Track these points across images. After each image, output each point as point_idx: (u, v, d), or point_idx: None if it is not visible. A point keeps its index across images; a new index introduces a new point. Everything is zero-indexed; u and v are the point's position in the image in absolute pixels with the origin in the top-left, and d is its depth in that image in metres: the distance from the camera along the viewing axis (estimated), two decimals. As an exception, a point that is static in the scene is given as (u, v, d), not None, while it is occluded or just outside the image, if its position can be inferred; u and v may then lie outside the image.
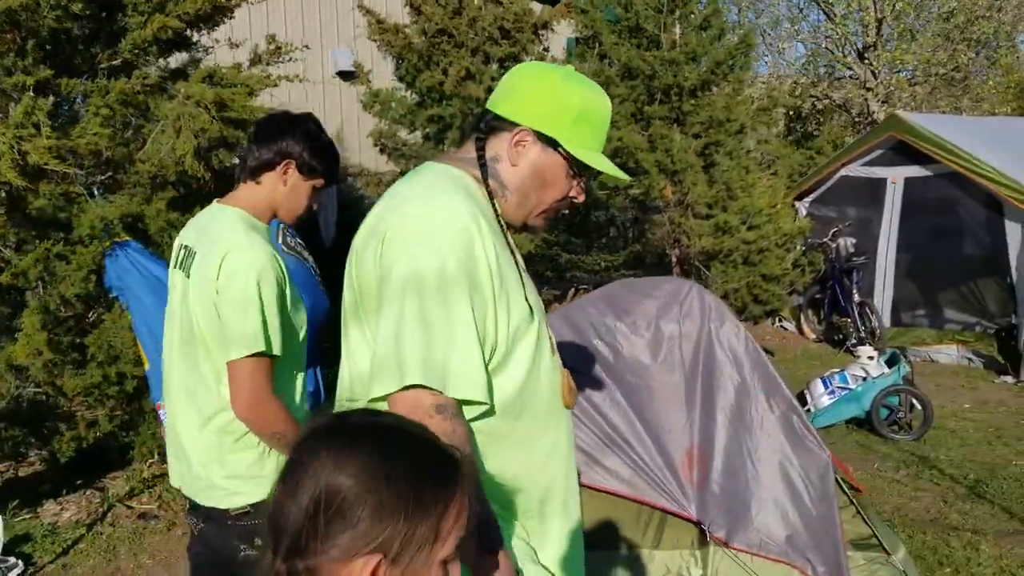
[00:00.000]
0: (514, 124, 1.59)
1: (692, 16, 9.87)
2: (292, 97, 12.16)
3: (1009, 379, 7.39)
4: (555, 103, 1.57)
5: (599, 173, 1.64)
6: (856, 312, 8.34)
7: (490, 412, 1.49)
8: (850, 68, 12.74)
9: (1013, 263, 7.58)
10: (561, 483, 1.68)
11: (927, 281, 8.88)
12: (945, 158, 7.88)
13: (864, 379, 6.02)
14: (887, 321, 8.72)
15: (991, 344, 7.94)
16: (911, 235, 8.67)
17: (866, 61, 12.46)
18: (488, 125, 1.62)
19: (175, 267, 2.29)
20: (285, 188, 2.24)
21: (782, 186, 9.52)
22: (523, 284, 1.59)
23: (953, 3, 11.72)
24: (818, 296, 9.29)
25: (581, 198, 1.67)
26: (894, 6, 11.84)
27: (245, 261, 2.08)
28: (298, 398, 2.27)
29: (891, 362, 6.18)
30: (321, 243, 10.48)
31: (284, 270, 2.18)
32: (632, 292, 3.85)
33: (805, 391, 6.18)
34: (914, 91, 12.55)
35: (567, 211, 1.75)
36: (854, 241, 8.77)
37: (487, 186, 1.60)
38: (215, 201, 2.31)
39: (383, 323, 1.46)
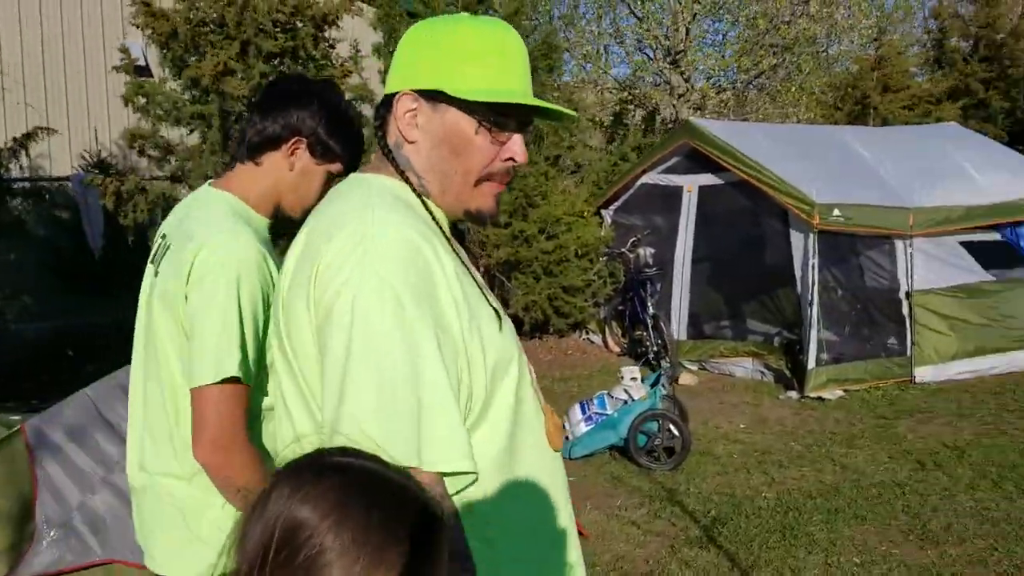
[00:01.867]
0: (395, 96, 1.31)
1: (493, 13, 9.38)
2: (70, 91, 11.06)
3: (794, 395, 7.18)
4: (429, 51, 1.29)
5: (529, 123, 1.32)
6: (650, 325, 8.00)
7: (474, 480, 1.20)
8: (660, 73, 12.60)
9: (798, 274, 7.39)
10: (562, 550, 1.38)
11: (726, 292, 8.68)
12: (733, 166, 7.65)
13: (625, 403, 5.61)
14: (685, 333, 8.44)
15: (782, 357, 7.75)
16: (708, 245, 8.43)
17: (669, 66, 12.34)
18: (378, 112, 1.36)
19: (150, 261, 1.84)
20: (293, 173, 1.82)
21: (584, 193, 9.15)
22: (491, 305, 1.28)
23: (755, 7, 11.72)
24: (620, 308, 8.94)
25: (521, 157, 1.31)
26: (693, 10, 11.72)
27: (222, 258, 1.64)
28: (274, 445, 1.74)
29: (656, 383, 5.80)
30: (90, 253, 9.52)
31: (273, 277, 1.69)
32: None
33: (564, 417, 5.72)
34: (722, 98, 12.51)
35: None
36: (652, 251, 8.47)
37: (407, 181, 1.30)
38: (207, 183, 1.88)
39: (328, 388, 1.15)
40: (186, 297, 1.65)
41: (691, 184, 8.33)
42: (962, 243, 8.03)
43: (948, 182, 8.06)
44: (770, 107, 12.34)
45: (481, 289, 1.29)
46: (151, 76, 9.68)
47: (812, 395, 7.04)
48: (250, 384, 1.64)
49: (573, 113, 1.35)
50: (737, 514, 4.55)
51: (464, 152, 1.29)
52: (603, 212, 9.32)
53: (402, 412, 1.12)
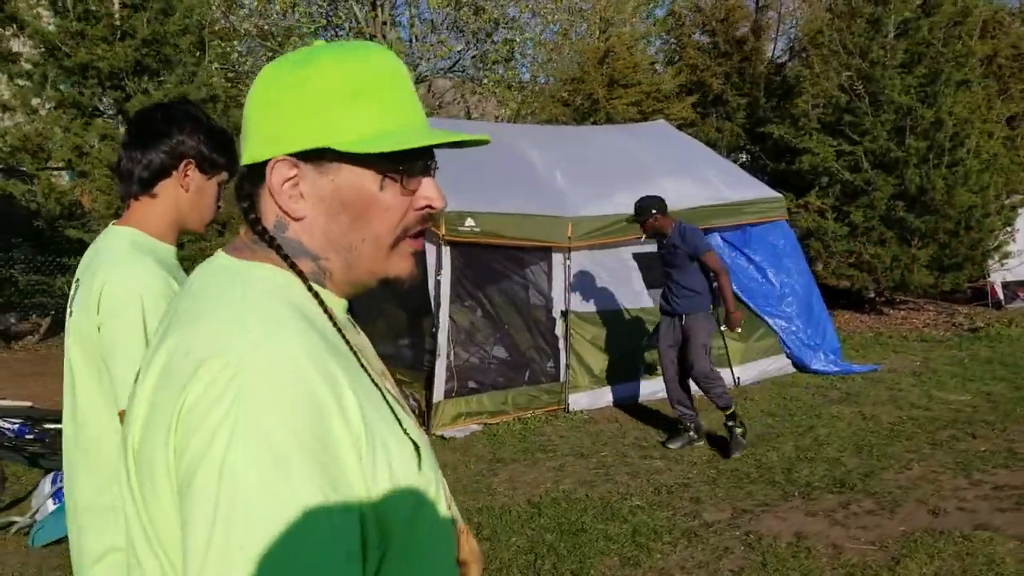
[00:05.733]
0: (265, 164, 0.97)
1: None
2: None
3: (423, 431, 6.28)
4: (296, 99, 0.95)
5: (433, 159, 1.02)
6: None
7: None
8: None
9: (431, 293, 6.50)
10: None
11: (385, 310, 7.74)
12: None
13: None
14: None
15: (422, 390, 6.86)
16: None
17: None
18: (243, 188, 1.02)
19: (68, 305, 1.87)
20: (189, 193, 1.89)
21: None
22: (408, 436, 0.94)
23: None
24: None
25: (439, 202, 1.02)
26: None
27: (127, 288, 1.73)
28: None
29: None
30: None
31: None
32: None
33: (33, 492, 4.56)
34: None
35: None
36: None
37: (298, 272, 0.96)
38: (112, 223, 1.92)
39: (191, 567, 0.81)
40: (99, 328, 1.72)
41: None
42: (638, 254, 7.37)
43: (625, 189, 7.34)
44: (469, 99, 11.42)
45: (395, 412, 0.95)
46: None
47: (437, 433, 6.17)
48: None
49: (486, 138, 1.00)
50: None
51: (370, 215, 0.98)
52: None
53: None
